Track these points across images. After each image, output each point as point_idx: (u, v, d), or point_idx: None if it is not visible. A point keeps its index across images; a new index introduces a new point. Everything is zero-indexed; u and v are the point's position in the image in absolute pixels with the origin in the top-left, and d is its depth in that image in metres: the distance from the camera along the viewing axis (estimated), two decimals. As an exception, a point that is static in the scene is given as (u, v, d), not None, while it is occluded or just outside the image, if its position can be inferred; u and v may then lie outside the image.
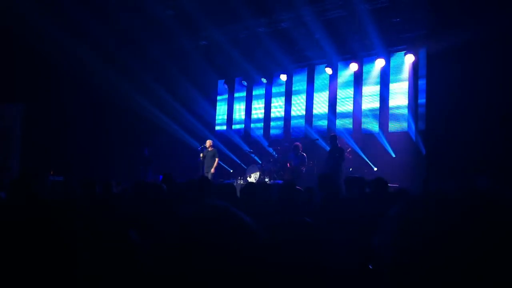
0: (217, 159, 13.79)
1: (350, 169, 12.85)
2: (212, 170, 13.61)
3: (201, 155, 13.88)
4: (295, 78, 16.48)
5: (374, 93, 14.62)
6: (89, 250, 1.98)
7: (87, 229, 2.36)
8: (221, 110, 18.59)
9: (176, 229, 1.16)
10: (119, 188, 7.45)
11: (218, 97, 18.65)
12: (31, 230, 1.52)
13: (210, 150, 13.81)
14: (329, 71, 15.12)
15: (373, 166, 13.46)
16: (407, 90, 13.90)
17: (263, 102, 17.30)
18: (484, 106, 10.35)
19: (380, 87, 14.44)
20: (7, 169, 12.47)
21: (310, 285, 2.14)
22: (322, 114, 15.75)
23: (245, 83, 17.23)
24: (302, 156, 12.78)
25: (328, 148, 12.72)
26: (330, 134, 13.20)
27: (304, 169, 12.77)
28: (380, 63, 14.03)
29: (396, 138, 13.67)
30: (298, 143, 13.21)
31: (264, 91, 17.23)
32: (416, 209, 0.92)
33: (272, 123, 17.01)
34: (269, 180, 13.05)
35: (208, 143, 13.93)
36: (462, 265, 0.81)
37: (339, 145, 12.25)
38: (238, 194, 5.92)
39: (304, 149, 13.23)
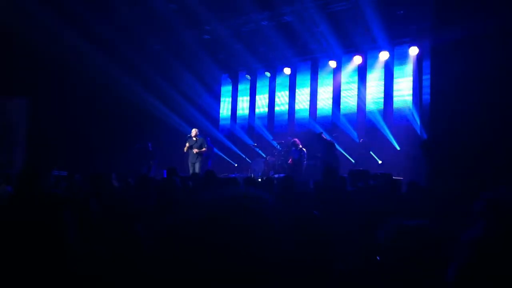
0: (204, 149, 12.99)
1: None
2: (194, 157, 12.78)
3: (187, 145, 13.04)
4: (299, 72, 16.44)
5: (378, 86, 14.57)
6: (93, 242, 1.98)
7: (90, 223, 2.36)
8: (225, 104, 18.57)
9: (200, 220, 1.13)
10: (121, 181, 7.45)
11: (222, 91, 18.64)
12: (36, 224, 1.52)
13: (196, 140, 13.02)
14: (333, 64, 15.09)
15: (377, 159, 13.43)
16: (411, 83, 13.84)
17: (267, 96, 17.28)
18: (490, 100, 10.28)
19: (384, 80, 14.39)
20: (12, 164, 12.51)
21: (318, 278, 2.14)
22: (326, 107, 15.72)
23: (249, 77, 17.22)
24: (301, 151, 12.84)
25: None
26: (318, 132, 13.18)
27: (305, 163, 12.84)
28: (384, 55, 13.98)
29: (400, 131, 13.64)
30: (295, 138, 13.30)
31: (268, 85, 17.21)
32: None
33: (276, 117, 16.99)
34: (274, 173, 13.07)
35: (194, 132, 13.13)
36: None
37: (327, 140, 12.33)
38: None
39: (308, 142, 13.25)
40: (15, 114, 13.48)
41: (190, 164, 12.85)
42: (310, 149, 13.20)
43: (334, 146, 12.26)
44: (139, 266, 2.03)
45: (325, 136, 12.53)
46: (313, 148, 13.18)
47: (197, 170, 12.48)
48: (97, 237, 2.10)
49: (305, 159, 12.89)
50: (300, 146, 12.91)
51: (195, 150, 12.75)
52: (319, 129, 14.90)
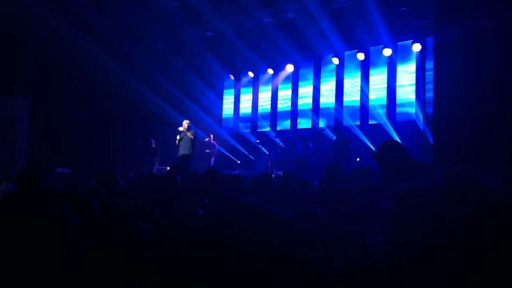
0: (190, 140, 12.25)
1: (358, 159, 12.81)
2: (183, 149, 12.20)
3: (178, 137, 12.40)
4: (302, 69, 16.42)
5: (381, 82, 14.54)
6: (93, 240, 1.96)
7: (91, 220, 2.34)
8: (227, 102, 18.57)
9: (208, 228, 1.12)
10: (126, 179, 7.45)
11: (225, 89, 18.64)
12: (36, 220, 1.51)
13: (188, 132, 12.32)
14: (335, 61, 15.05)
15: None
16: (414, 80, 13.82)
17: (270, 93, 17.27)
18: (494, 96, 10.23)
19: (387, 77, 14.37)
20: (14, 162, 12.51)
21: (319, 278, 2.12)
22: (328, 104, 15.70)
23: (252, 74, 17.19)
24: (307, 146, 12.83)
25: (334, 138, 12.75)
26: (335, 126, 13.22)
27: (311, 159, 12.82)
28: (387, 52, 13.93)
29: (403, 128, 13.62)
30: (304, 133, 13.30)
31: (270, 82, 17.20)
32: (405, 203, 0.88)
33: (278, 114, 16.99)
34: (277, 170, 13.05)
35: (185, 123, 12.41)
36: (455, 259, 0.77)
37: (343, 135, 12.28)
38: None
39: (310, 139, 13.24)
40: (18, 112, 13.47)
41: (180, 158, 12.50)
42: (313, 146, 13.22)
43: (350, 143, 12.25)
44: (139, 265, 2.02)
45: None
46: (315, 144, 13.20)
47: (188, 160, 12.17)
48: (97, 235, 2.09)
49: (311, 155, 12.87)
50: (307, 142, 12.92)
51: (181, 150, 12.27)
52: (322, 126, 14.93)
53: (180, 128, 12.44)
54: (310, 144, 12.94)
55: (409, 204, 0.88)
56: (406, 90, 13.93)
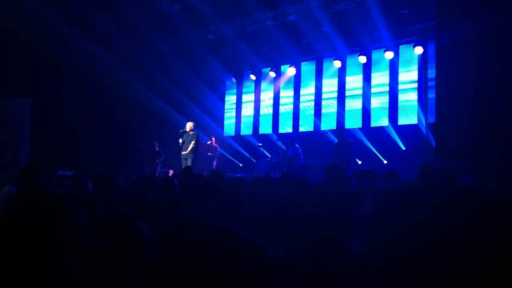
0: (193, 142, 12.30)
1: (360, 162, 12.81)
2: (186, 151, 12.24)
3: (180, 140, 12.50)
4: (303, 72, 16.41)
5: (383, 86, 14.53)
6: (96, 242, 1.97)
7: (94, 222, 2.34)
8: (229, 104, 18.57)
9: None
10: (127, 181, 7.45)
11: (227, 91, 18.63)
12: (38, 222, 1.51)
13: (191, 134, 12.44)
14: (337, 64, 15.04)
15: (383, 159, 13.39)
16: (416, 83, 13.80)
17: (272, 96, 17.26)
18: (496, 99, 10.22)
19: (389, 80, 14.36)
20: (16, 164, 12.53)
21: (322, 278, 2.12)
22: (330, 107, 15.69)
23: (254, 77, 17.19)
24: (296, 149, 12.93)
25: (335, 141, 12.76)
26: (338, 127, 13.26)
27: (300, 161, 12.90)
28: (389, 55, 13.92)
29: (406, 131, 13.60)
30: (293, 136, 13.44)
31: (272, 85, 17.19)
32: (383, 206, 0.89)
33: (280, 117, 16.98)
34: (279, 173, 13.05)
35: (189, 126, 12.55)
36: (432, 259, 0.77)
37: (345, 138, 12.29)
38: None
39: (312, 142, 13.27)
40: (20, 113, 13.49)
41: (182, 160, 12.51)
42: (313, 148, 13.24)
43: (351, 146, 12.28)
44: (142, 267, 2.02)
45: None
46: (316, 147, 13.24)
47: (189, 164, 12.20)
48: (100, 237, 2.09)
49: (299, 157, 12.94)
50: (296, 144, 13.01)
51: (183, 152, 12.39)
52: (324, 129, 14.93)
53: (187, 129, 12.55)
54: (297, 146, 13.02)
55: (388, 205, 0.88)
56: (408, 93, 13.91)
